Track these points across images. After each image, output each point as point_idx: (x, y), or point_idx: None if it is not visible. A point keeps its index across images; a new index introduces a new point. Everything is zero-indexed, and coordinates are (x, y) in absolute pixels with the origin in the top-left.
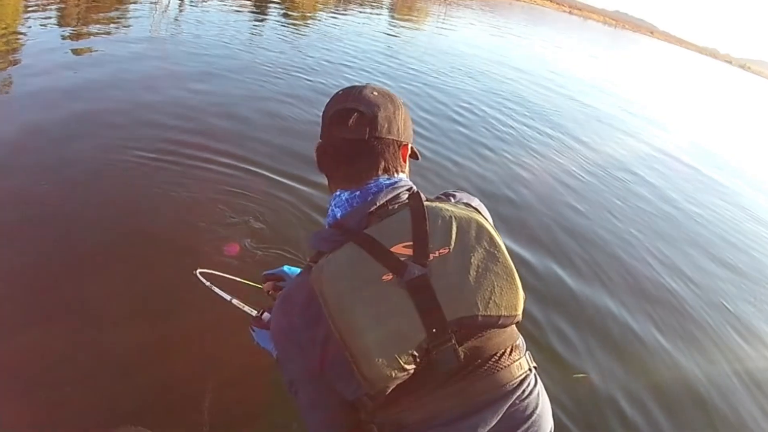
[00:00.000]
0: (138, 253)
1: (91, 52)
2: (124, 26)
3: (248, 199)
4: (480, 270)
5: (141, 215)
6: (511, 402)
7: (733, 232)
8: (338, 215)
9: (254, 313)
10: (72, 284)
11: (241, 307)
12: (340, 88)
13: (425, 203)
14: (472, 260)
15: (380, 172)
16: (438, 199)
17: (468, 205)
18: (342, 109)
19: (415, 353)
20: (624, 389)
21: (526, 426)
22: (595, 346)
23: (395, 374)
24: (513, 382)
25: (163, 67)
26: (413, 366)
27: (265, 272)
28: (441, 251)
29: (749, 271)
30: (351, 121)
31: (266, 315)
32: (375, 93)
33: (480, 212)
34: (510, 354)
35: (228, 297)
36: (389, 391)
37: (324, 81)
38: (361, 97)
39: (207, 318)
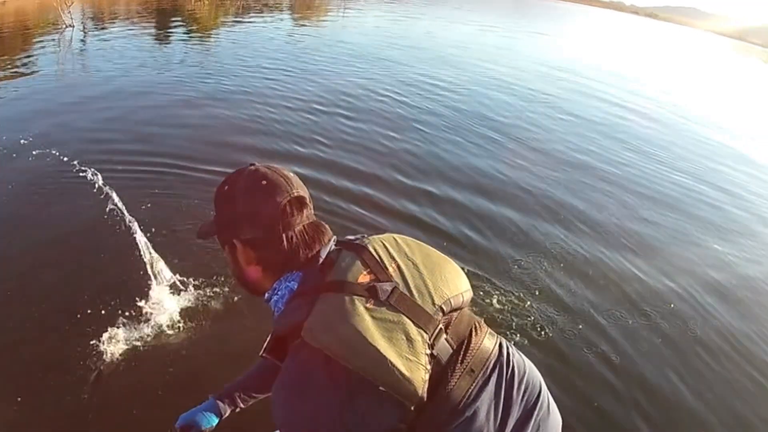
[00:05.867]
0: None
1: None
2: (32, 62)
3: (192, 200)
4: (427, 265)
5: (86, 244)
6: (504, 361)
7: None
8: (295, 287)
9: None
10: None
11: None
12: (250, 177)
13: (353, 243)
14: (417, 262)
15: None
16: (355, 239)
17: (370, 235)
18: (290, 200)
19: (428, 351)
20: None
21: (525, 372)
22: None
23: (424, 377)
24: (495, 349)
25: (73, 92)
26: (431, 365)
27: (178, 425)
28: (392, 267)
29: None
30: (306, 209)
31: None
32: (292, 174)
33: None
34: (480, 327)
35: None
36: (426, 397)
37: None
38: (296, 182)
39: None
